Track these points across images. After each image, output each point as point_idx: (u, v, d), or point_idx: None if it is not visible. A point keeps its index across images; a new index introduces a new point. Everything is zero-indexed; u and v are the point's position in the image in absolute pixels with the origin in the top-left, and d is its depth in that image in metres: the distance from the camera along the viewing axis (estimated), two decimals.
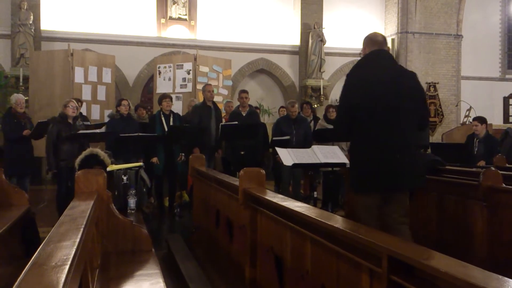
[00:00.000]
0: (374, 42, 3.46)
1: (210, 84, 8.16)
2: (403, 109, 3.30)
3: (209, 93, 7.65)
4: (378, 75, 3.32)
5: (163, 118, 7.42)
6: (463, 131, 10.16)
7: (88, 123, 8.31)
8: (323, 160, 4.98)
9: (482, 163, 6.73)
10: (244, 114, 7.68)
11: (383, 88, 3.27)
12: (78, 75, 9.73)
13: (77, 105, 6.82)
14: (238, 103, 8.05)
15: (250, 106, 8.05)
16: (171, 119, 7.47)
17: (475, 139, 7.21)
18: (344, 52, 14.78)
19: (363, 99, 3.28)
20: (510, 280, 1.43)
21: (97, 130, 7.28)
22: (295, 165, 4.88)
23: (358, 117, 3.30)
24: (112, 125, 7.37)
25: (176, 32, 13.44)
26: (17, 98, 7.17)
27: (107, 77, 10.22)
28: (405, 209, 3.41)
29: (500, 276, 1.47)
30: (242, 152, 7.21)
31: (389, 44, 14.24)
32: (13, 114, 7.06)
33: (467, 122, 12.86)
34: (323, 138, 7.23)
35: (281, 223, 2.88)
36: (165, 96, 7.59)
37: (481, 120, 7.26)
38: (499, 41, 16.75)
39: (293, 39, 14.38)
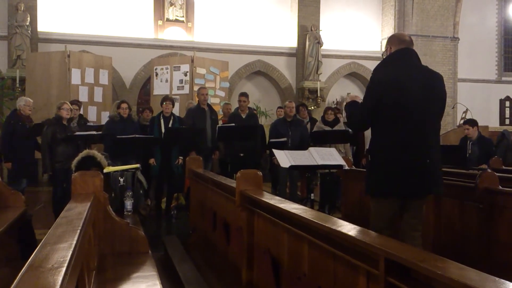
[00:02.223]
0: (401, 41, 3.33)
1: (204, 88, 8.15)
2: (433, 111, 3.22)
3: (203, 96, 7.65)
4: (410, 74, 3.19)
5: (162, 121, 7.42)
6: (460, 134, 10.17)
7: (91, 123, 8.29)
8: (320, 162, 4.96)
9: (484, 166, 6.71)
10: (243, 116, 7.70)
11: (416, 87, 3.15)
12: (75, 77, 9.72)
13: (71, 107, 6.81)
14: (236, 105, 8.07)
15: (249, 108, 8.06)
16: (171, 121, 7.46)
17: (468, 142, 7.25)
18: (341, 54, 14.83)
19: (396, 98, 3.13)
20: (507, 282, 1.44)
21: (94, 132, 7.26)
22: (292, 167, 4.86)
23: (388, 116, 3.16)
24: (109, 127, 7.34)
25: (173, 34, 13.45)
26: (26, 100, 7.16)
27: (104, 78, 10.21)
28: (421, 216, 3.33)
29: (497, 278, 1.47)
30: (241, 154, 7.22)
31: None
32: (19, 117, 7.02)
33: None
34: (321, 140, 7.24)
35: (278, 225, 2.88)
36: (165, 99, 7.57)
37: (472, 123, 7.32)
38: (496, 44, 16.81)
39: (290, 41, 14.40)
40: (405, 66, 3.24)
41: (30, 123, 7.23)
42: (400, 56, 3.28)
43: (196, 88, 9.28)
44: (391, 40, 3.39)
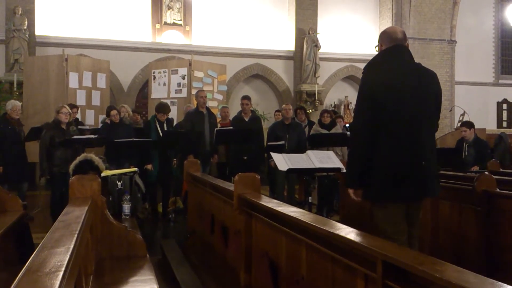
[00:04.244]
0: (393, 38, 3.08)
1: (203, 90, 8.15)
2: (428, 110, 3.07)
3: (201, 99, 7.64)
4: (401, 74, 3.02)
5: (157, 124, 7.43)
6: (457, 136, 10.19)
7: (87, 127, 8.30)
8: (318, 165, 4.97)
9: (475, 168, 6.80)
10: (247, 120, 7.72)
11: (409, 87, 2.98)
12: (73, 80, 9.72)
13: (70, 111, 6.81)
14: (234, 108, 8.07)
15: (252, 111, 8.07)
16: (164, 124, 7.50)
17: (464, 143, 7.34)
18: (338, 57, 14.86)
19: (388, 100, 2.94)
20: (505, 285, 1.43)
21: (92, 136, 7.27)
22: (290, 170, 4.87)
23: (380, 118, 2.94)
24: (105, 131, 7.36)
25: (171, 38, 13.45)
26: (14, 104, 7.18)
27: (102, 82, 10.21)
28: (419, 219, 3.21)
29: (495, 281, 1.47)
30: (245, 157, 7.23)
31: None
32: (8, 121, 7.04)
33: None
34: (318, 143, 7.25)
35: (276, 228, 2.87)
36: (164, 110, 7.53)
37: (468, 125, 7.45)
38: (493, 46, 16.87)
39: (288, 44, 14.42)
40: (396, 65, 3.06)
41: (20, 127, 7.25)
42: (390, 55, 3.09)
43: (194, 92, 9.29)
44: (382, 37, 3.17)
